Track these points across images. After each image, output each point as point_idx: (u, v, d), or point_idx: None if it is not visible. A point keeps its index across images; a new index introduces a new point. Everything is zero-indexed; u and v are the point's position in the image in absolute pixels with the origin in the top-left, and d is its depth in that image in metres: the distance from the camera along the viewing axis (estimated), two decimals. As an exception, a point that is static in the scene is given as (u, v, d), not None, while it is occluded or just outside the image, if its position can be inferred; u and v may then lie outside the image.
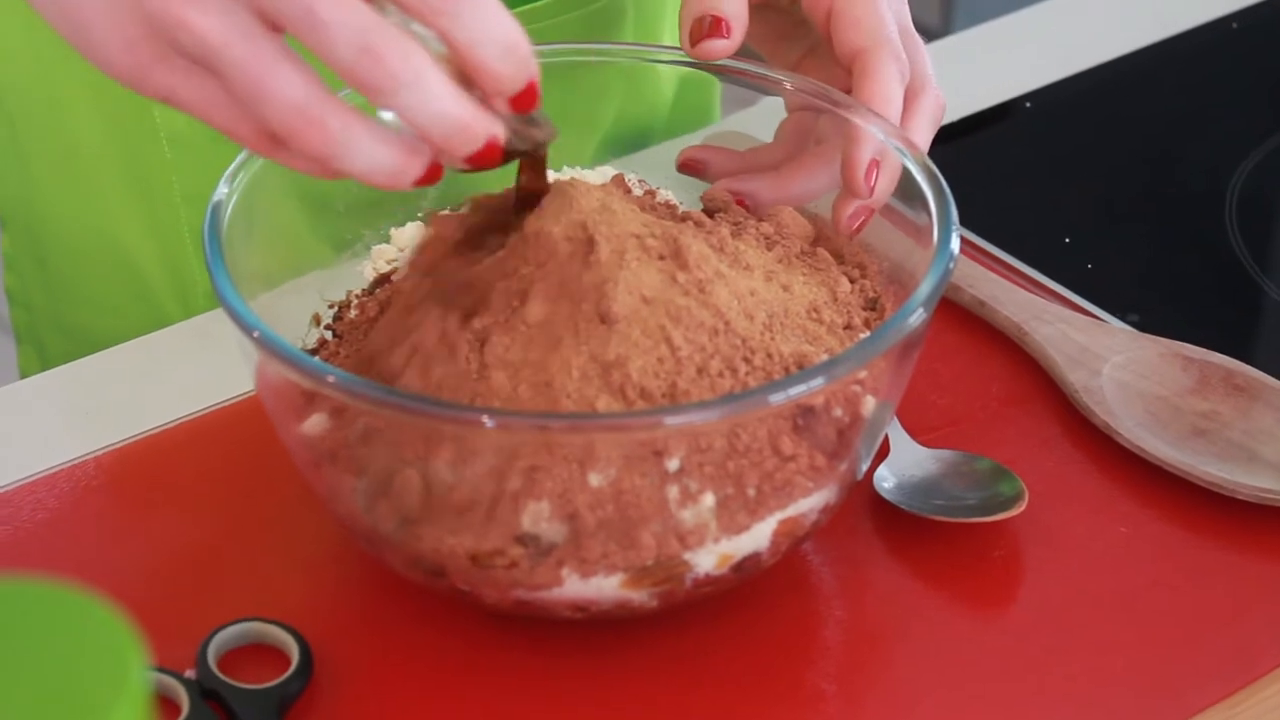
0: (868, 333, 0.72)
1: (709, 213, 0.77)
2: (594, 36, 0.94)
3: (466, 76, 0.63)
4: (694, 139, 0.93)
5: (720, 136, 0.92)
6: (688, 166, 0.83)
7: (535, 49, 0.79)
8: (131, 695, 0.41)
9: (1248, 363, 0.80)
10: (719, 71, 0.80)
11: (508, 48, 0.62)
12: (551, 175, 0.78)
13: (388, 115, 0.62)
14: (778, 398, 0.64)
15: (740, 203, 0.79)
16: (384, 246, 0.79)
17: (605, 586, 0.66)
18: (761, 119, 0.86)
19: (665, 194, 0.79)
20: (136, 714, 0.42)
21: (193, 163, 0.93)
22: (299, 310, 0.75)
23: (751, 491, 0.66)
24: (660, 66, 0.93)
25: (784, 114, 0.83)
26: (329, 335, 0.75)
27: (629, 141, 0.96)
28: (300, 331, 0.75)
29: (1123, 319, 0.85)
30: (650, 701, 0.68)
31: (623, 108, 0.96)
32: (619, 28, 0.95)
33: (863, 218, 0.75)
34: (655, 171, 0.82)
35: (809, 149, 0.80)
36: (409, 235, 0.79)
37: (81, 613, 0.43)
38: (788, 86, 0.79)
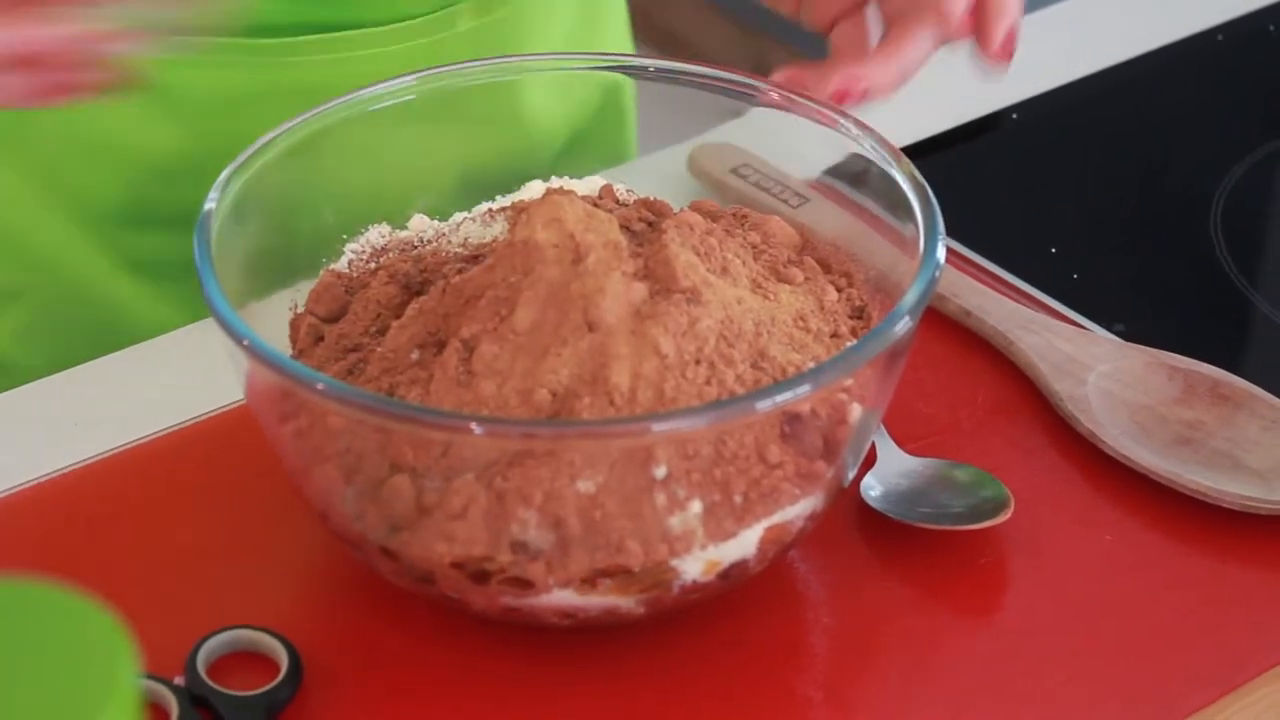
0: (854, 341, 0.72)
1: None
2: (492, 47, 0.93)
3: None
4: (682, 149, 0.93)
5: (713, 148, 0.92)
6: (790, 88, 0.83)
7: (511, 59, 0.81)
8: (121, 696, 0.41)
9: (1232, 372, 0.80)
10: (704, 84, 0.81)
11: None
12: (541, 185, 0.79)
13: None
14: (764, 405, 0.65)
15: (847, 94, 0.79)
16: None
17: (592, 593, 0.66)
18: (751, 129, 0.86)
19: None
20: (126, 716, 0.42)
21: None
22: (287, 315, 0.76)
23: (738, 498, 0.66)
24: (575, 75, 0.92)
25: (772, 123, 0.83)
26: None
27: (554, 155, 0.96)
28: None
29: (1108, 329, 0.85)
30: (638, 708, 0.68)
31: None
32: (517, 39, 0.95)
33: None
34: (643, 182, 0.83)
35: (890, 31, 0.81)
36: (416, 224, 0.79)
37: (73, 613, 0.43)
38: (774, 97, 0.79)
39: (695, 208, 0.78)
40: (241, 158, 0.74)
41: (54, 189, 0.93)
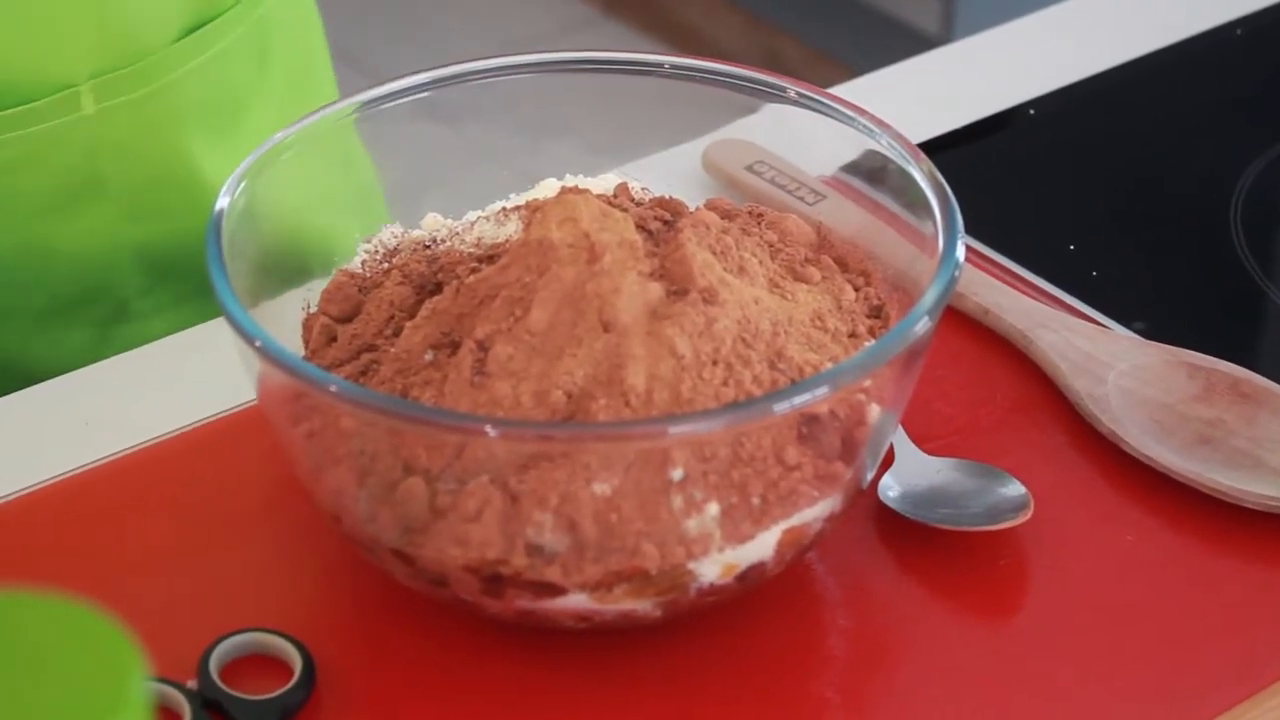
0: (872, 341, 0.72)
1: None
2: (146, 128, 0.92)
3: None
4: (697, 146, 0.92)
5: (728, 144, 0.91)
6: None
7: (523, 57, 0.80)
8: (131, 707, 0.41)
9: (1253, 370, 0.79)
10: (722, 80, 0.80)
11: None
12: (555, 183, 0.78)
13: None
14: (782, 406, 0.64)
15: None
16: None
17: (608, 597, 0.66)
18: (767, 126, 0.86)
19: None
20: (137, 726, 0.42)
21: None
22: (299, 315, 0.75)
23: (756, 501, 0.65)
24: None
25: (788, 119, 0.82)
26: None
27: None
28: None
29: (1128, 326, 0.84)
30: (654, 712, 0.68)
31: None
32: (177, 117, 0.93)
33: None
34: (660, 178, 0.82)
35: None
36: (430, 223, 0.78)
37: (82, 624, 0.42)
38: (790, 94, 0.79)
39: (711, 206, 0.78)
40: (253, 157, 0.73)
41: None
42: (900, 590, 0.73)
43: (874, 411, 0.68)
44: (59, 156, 0.90)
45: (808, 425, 0.66)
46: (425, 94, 0.79)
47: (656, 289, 0.67)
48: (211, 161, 0.94)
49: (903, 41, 2.25)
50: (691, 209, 0.76)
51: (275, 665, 0.69)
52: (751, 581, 0.68)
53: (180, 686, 0.67)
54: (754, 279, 0.71)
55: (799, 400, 0.64)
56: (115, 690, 0.41)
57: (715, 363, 0.66)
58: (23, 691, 0.42)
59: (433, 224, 0.78)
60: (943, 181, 0.72)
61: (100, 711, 0.41)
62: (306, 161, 0.76)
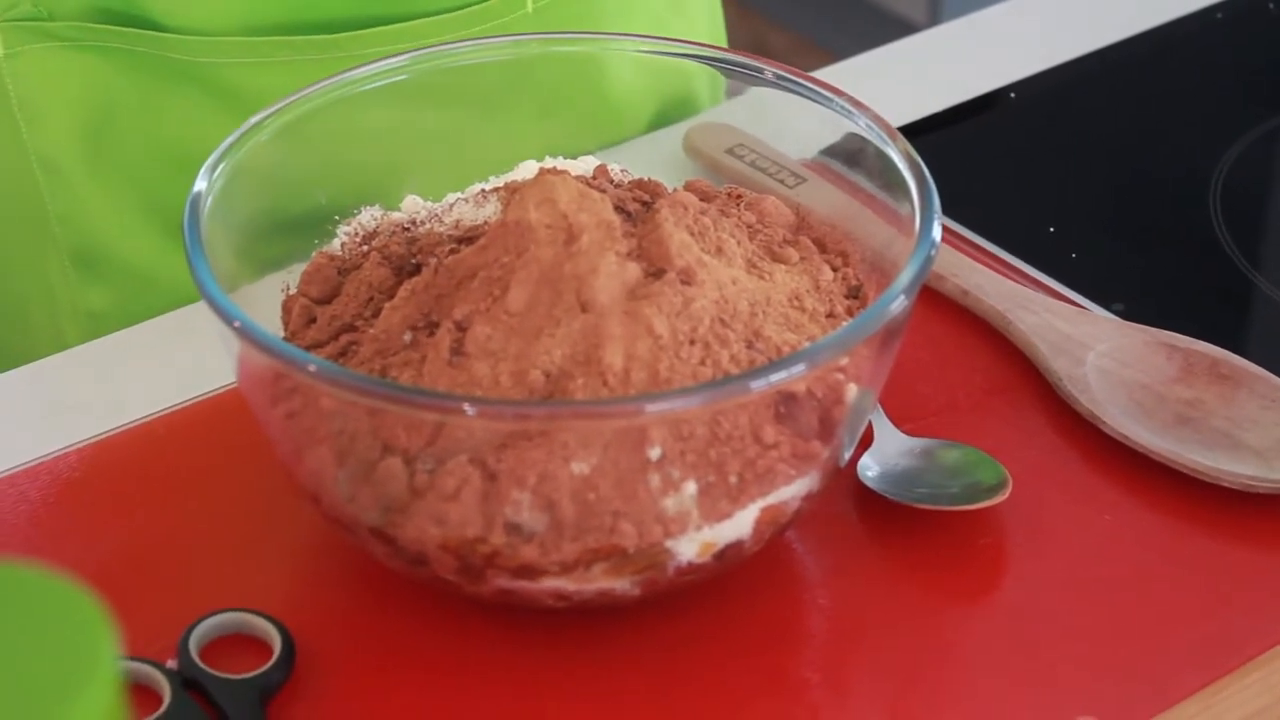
0: (850, 320, 0.72)
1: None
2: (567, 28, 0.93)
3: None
4: (678, 130, 0.93)
5: (709, 128, 0.91)
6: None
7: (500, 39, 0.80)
8: (102, 677, 0.41)
9: (1232, 351, 0.80)
10: (704, 62, 0.80)
11: None
12: (534, 165, 0.78)
13: None
14: (759, 385, 0.64)
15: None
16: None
17: (587, 575, 0.66)
18: (747, 109, 0.86)
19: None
20: (107, 696, 0.42)
21: (65, 185, 0.93)
22: (279, 298, 0.75)
23: (733, 479, 0.66)
24: (626, 58, 0.92)
25: (769, 103, 0.83)
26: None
27: (603, 132, 0.95)
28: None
29: (1107, 308, 0.84)
30: (633, 690, 0.68)
31: (589, 97, 0.95)
32: (594, 19, 0.95)
33: None
34: (639, 162, 0.82)
35: None
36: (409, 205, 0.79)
37: (53, 595, 0.42)
38: (770, 76, 0.79)
39: (690, 187, 0.78)
40: (231, 138, 0.74)
41: (146, 204, 0.92)
42: (878, 570, 0.73)
43: (851, 390, 0.68)
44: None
45: (785, 404, 0.66)
46: (404, 76, 0.79)
47: (634, 269, 0.67)
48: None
49: (890, 30, 2.25)
50: (670, 190, 0.76)
51: (255, 645, 0.69)
52: (730, 560, 0.68)
53: (160, 666, 0.67)
54: (731, 259, 0.71)
55: (776, 378, 0.64)
56: (87, 661, 0.41)
57: (693, 342, 0.66)
58: (-8, 661, 0.42)
59: (412, 206, 0.78)
60: (919, 161, 0.73)
61: (71, 683, 0.41)
62: (285, 143, 0.76)
